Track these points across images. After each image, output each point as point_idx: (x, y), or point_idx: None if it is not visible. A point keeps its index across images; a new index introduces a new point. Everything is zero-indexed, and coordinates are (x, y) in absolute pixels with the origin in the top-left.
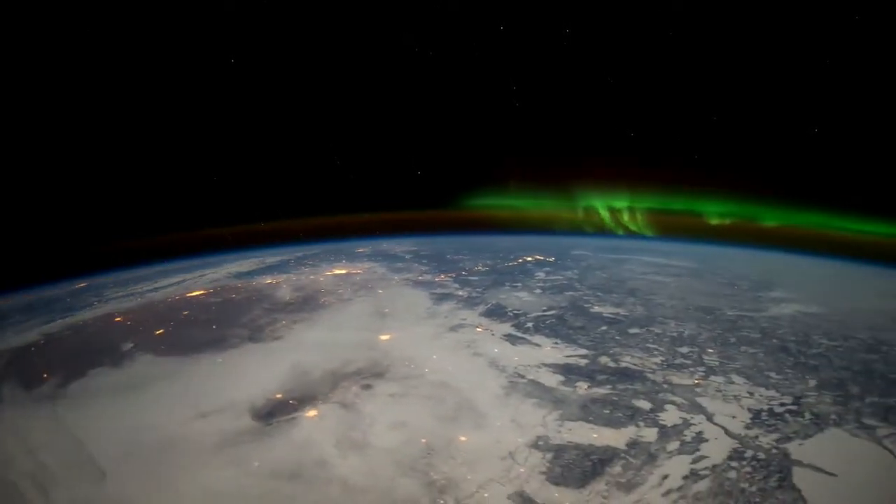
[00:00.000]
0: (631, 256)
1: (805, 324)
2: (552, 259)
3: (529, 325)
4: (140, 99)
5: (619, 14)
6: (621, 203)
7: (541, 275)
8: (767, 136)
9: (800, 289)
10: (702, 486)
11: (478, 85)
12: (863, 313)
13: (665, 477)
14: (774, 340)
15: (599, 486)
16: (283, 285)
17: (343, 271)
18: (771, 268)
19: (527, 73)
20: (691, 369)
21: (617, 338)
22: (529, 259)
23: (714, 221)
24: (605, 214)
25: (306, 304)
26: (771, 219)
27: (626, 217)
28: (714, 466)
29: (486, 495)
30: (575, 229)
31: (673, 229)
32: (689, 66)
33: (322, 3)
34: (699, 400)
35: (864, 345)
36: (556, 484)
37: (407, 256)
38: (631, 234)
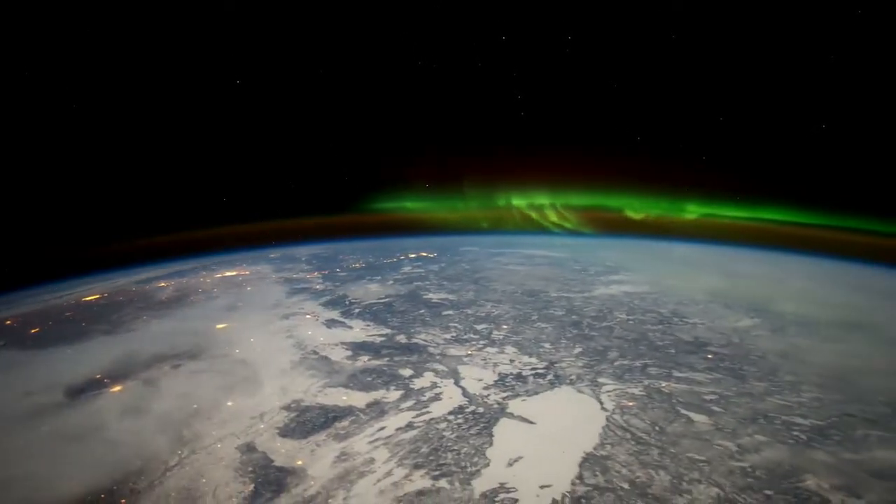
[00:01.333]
0: (511, 251)
1: (617, 301)
2: (433, 255)
3: (356, 311)
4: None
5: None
6: (547, 201)
7: (407, 269)
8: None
9: (644, 272)
10: (408, 434)
11: (401, 90)
12: (685, 292)
13: (381, 429)
14: (574, 316)
15: (319, 437)
16: (168, 288)
17: (232, 273)
18: (641, 255)
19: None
20: (474, 343)
21: (427, 319)
22: (412, 255)
23: (638, 216)
24: (537, 213)
25: (176, 302)
26: (694, 211)
27: (556, 215)
28: (431, 420)
29: (218, 446)
30: (505, 228)
31: (606, 226)
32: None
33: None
34: (460, 368)
35: (659, 318)
36: (283, 436)
37: (303, 258)
38: (565, 232)
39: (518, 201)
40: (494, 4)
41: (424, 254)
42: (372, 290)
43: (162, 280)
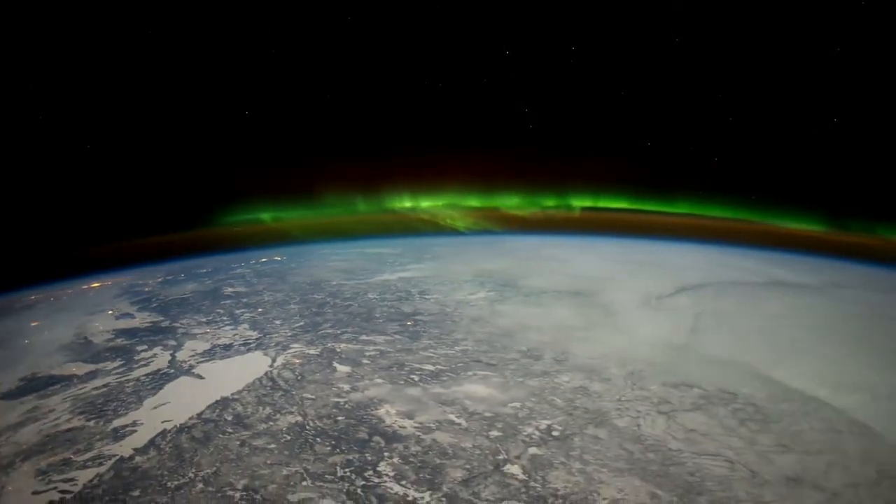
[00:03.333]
0: (360, 250)
1: (383, 285)
2: (282, 258)
3: (153, 305)
4: None
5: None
6: (437, 202)
7: (238, 271)
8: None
9: (445, 259)
10: (94, 392)
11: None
12: (456, 275)
13: (81, 388)
14: (329, 299)
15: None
16: None
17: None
18: (461, 246)
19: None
20: (220, 324)
21: (203, 308)
22: (262, 260)
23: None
24: (429, 215)
25: None
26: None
27: (445, 216)
28: (125, 381)
29: None
30: (394, 232)
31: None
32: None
33: None
34: (189, 342)
35: (402, 296)
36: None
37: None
38: (458, 232)
39: (410, 204)
40: None
41: (277, 258)
42: (184, 288)
43: None
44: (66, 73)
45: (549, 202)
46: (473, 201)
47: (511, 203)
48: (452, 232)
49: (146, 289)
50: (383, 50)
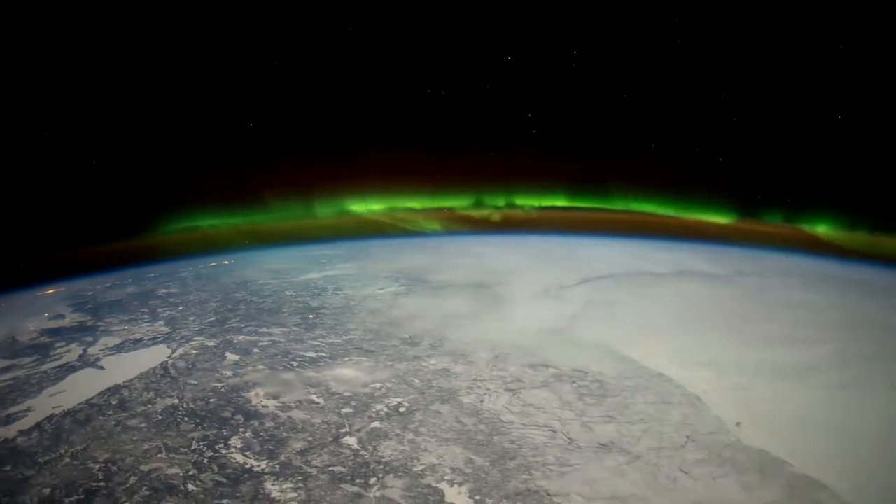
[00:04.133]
0: (299, 253)
1: (304, 283)
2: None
3: (88, 307)
4: None
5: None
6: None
7: (183, 275)
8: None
9: (375, 258)
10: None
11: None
12: (375, 272)
13: None
14: (248, 297)
15: None
16: None
17: None
18: (398, 247)
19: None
20: (141, 322)
21: (132, 307)
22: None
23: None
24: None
25: None
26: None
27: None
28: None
29: None
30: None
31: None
32: None
33: None
34: (105, 338)
35: (315, 292)
36: None
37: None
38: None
39: (366, 207)
40: None
41: (225, 262)
42: (123, 291)
43: None
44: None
45: (500, 202)
46: (426, 203)
47: (463, 204)
48: (405, 233)
49: (89, 293)
50: (333, 50)
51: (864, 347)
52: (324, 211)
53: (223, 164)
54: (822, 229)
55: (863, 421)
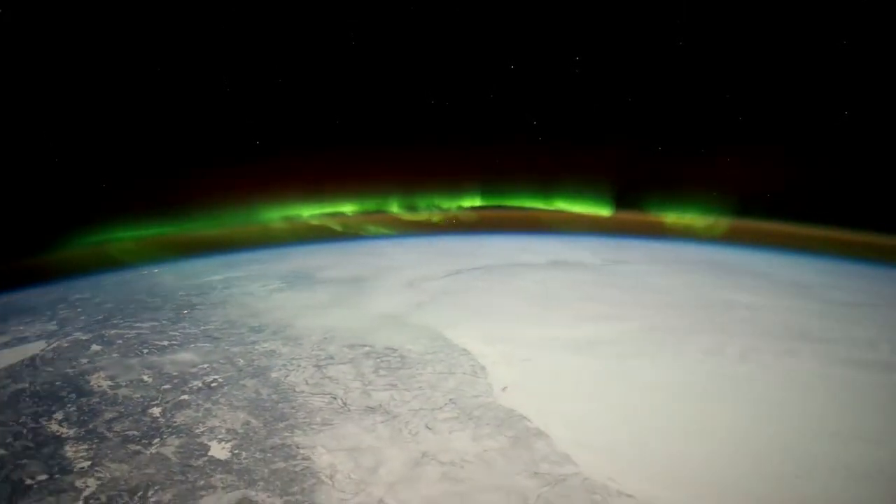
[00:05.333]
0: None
1: (203, 284)
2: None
3: None
4: None
5: None
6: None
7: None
8: None
9: (283, 260)
10: None
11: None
12: (275, 271)
13: None
14: (141, 296)
15: None
16: None
17: None
18: (316, 250)
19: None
20: (30, 323)
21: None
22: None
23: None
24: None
25: None
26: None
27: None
28: None
29: None
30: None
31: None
32: None
33: None
34: None
35: (207, 290)
36: None
37: None
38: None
39: (299, 213)
40: None
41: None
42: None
43: None
44: None
45: (441, 204)
46: (361, 206)
47: (396, 207)
48: (343, 237)
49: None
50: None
51: (677, 323)
52: (261, 218)
53: (148, 174)
54: (690, 218)
55: (623, 387)
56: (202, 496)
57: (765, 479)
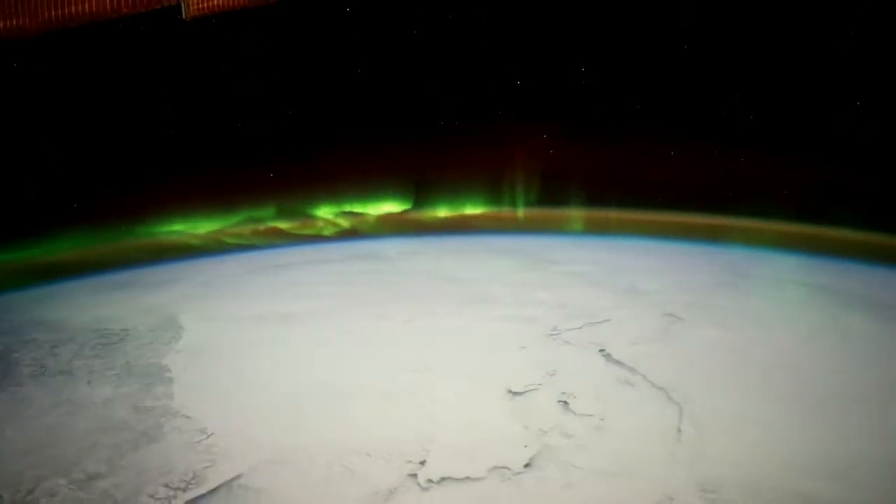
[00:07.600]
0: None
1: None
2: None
3: None
4: None
5: None
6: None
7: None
8: None
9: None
10: None
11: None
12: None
13: None
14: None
15: None
16: None
17: None
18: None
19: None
20: None
21: None
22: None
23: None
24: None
25: None
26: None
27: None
28: None
29: None
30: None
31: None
32: None
33: None
34: None
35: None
36: None
37: None
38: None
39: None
40: None
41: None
42: None
43: None
44: None
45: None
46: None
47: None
48: (227, 250)
49: None
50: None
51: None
52: (136, 235)
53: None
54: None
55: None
56: None
57: None
